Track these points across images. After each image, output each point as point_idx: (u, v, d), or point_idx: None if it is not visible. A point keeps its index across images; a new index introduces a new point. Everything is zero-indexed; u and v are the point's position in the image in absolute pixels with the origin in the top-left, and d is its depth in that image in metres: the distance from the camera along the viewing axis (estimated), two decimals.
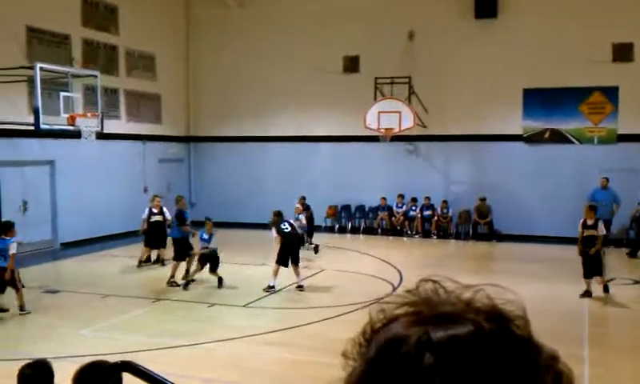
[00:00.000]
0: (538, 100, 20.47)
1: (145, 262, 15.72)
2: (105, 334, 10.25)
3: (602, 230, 12.35)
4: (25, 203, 17.36)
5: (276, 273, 13.00)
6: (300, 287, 13.01)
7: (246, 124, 23.69)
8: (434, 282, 0.87)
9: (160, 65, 23.11)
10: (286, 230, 13.26)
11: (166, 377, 5.92)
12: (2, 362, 8.49)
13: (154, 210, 15.73)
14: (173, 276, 13.57)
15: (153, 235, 15.59)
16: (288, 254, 13.08)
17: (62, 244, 18.26)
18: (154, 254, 15.88)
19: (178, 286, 13.38)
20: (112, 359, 3.81)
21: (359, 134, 21.42)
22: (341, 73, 22.38)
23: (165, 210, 15.88)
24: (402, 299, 0.85)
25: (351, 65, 22.35)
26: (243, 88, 23.51)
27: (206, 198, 24.38)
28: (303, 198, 19.04)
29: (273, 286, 12.91)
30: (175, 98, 24.03)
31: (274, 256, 13.25)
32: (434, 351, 0.75)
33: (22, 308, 11.31)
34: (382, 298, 11.40)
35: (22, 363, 4.08)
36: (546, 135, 20.60)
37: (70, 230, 18.30)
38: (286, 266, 13.03)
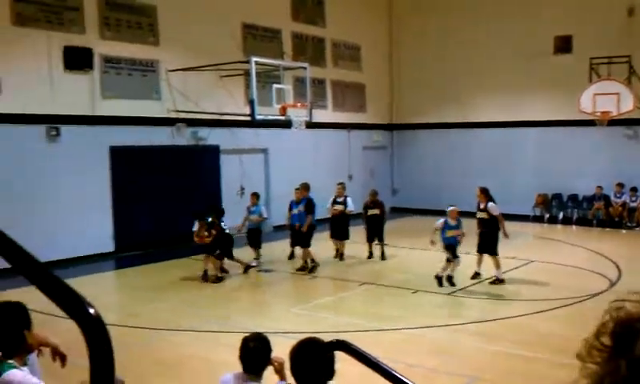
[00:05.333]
0: None
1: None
2: (313, 313, 10.68)
3: None
4: (242, 188, 18.66)
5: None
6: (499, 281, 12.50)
7: (448, 110, 23.33)
8: None
9: (365, 54, 23.55)
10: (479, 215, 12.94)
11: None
12: (223, 334, 9.22)
13: (338, 199, 15.09)
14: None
15: (332, 224, 15.12)
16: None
17: (274, 227, 19.36)
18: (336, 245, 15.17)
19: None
20: (320, 337, 3.92)
21: (572, 118, 20.10)
22: (552, 54, 21.14)
23: (349, 199, 15.07)
24: None
25: (563, 45, 21.00)
26: (446, 74, 23.15)
27: (407, 185, 24.48)
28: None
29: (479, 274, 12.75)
30: (379, 86, 24.35)
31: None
32: None
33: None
34: (601, 293, 10.53)
35: (241, 336, 4.36)
36: None
37: (282, 214, 19.01)
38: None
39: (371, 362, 2.62)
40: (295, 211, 14.28)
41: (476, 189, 13.22)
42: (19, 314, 3.64)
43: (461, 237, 12.31)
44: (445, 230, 12.29)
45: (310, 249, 13.82)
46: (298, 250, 14.43)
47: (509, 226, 13.76)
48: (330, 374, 3.44)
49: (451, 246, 12.21)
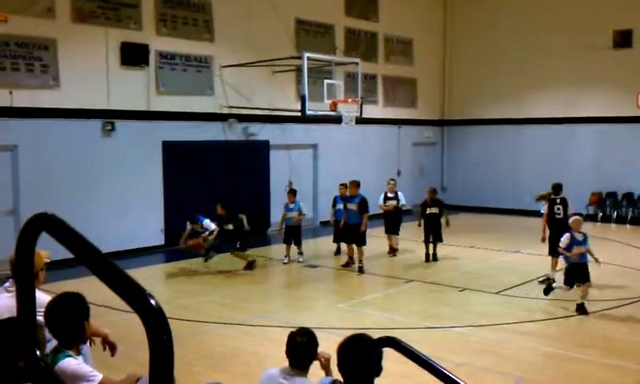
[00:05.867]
0: None
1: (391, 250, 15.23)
2: (359, 310, 10.71)
3: None
4: (290, 183, 18.77)
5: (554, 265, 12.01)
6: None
7: (501, 106, 23.00)
8: None
9: (416, 48, 23.40)
10: (557, 215, 12.04)
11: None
12: (269, 328, 9.34)
13: (389, 195, 15.27)
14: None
15: (386, 220, 15.22)
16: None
17: (321, 222, 19.44)
18: (390, 241, 15.27)
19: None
20: (368, 334, 3.95)
21: (629, 115, 19.60)
22: (610, 48, 20.60)
23: (400, 194, 15.31)
24: None
25: (622, 39, 20.45)
26: (500, 69, 22.82)
27: (457, 182, 24.24)
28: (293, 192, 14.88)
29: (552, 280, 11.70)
30: (430, 81, 24.16)
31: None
32: None
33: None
34: None
35: (286, 330, 4.42)
36: None
37: (329, 210, 18.77)
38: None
39: (422, 360, 2.64)
40: (340, 206, 14.27)
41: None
42: (80, 305, 3.77)
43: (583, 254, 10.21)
44: (571, 247, 10.21)
45: (364, 248, 13.63)
46: (343, 246, 14.43)
47: None
48: (378, 371, 3.46)
49: (582, 267, 10.16)
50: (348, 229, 13.76)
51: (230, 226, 13.26)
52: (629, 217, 20.56)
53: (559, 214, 12.09)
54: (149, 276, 13.15)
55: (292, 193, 14.62)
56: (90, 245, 1.54)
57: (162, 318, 1.37)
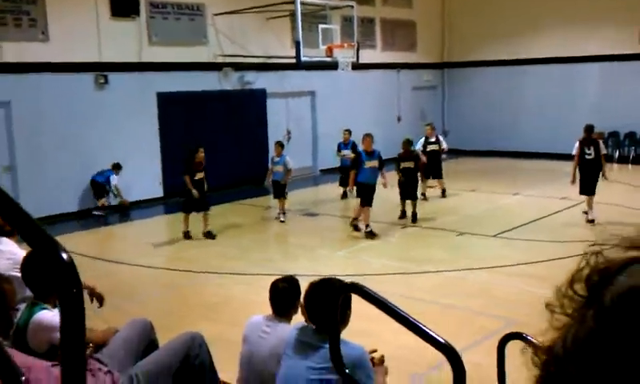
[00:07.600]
0: None
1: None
2: (357, 256, 10.73)
3: None
4: (289, 132, 18.66)
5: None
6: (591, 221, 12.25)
7: (502, 47, 22.59)
8: None
9: None
10: (587, 156, 12.30)
11: (409, 300, 5.99)
12: (265, 276, 9.36)
13: (431, 139, 15.00)
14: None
15: (427, 164, 14.43)
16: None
17: (321, 170, 19.38)
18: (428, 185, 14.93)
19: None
20: (360, 280, 3.93)
21: (633, 52, 19.25)
22: None
23: (441, 138, 15.57)
24: (632, 241, 0.69)
25: None
26: (500, 9, 22.36)
27: (459, 125, 24.03)
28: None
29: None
30: (430, 24, 23.71)
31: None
32: None
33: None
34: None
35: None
36: None
37: (329, 158, 17.94)
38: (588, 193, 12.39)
39: (385, 306, 2.60)
40: (344, 152, 14.44)
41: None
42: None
43: None
44: None
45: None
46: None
47: (563, 165, 13.33)
48: (343, 318, 3.41)
49: None
50: (367, 189, 11.88)
51: (202, 175, 12.18)
52: (631, 156, 20.39)
53: (590, 155, 12.31)
54: (150, 228, 13.20)
55: (280, 145, 13.68)
56: (6, 195, 1.49)
57: (72, 270, 1.32)
